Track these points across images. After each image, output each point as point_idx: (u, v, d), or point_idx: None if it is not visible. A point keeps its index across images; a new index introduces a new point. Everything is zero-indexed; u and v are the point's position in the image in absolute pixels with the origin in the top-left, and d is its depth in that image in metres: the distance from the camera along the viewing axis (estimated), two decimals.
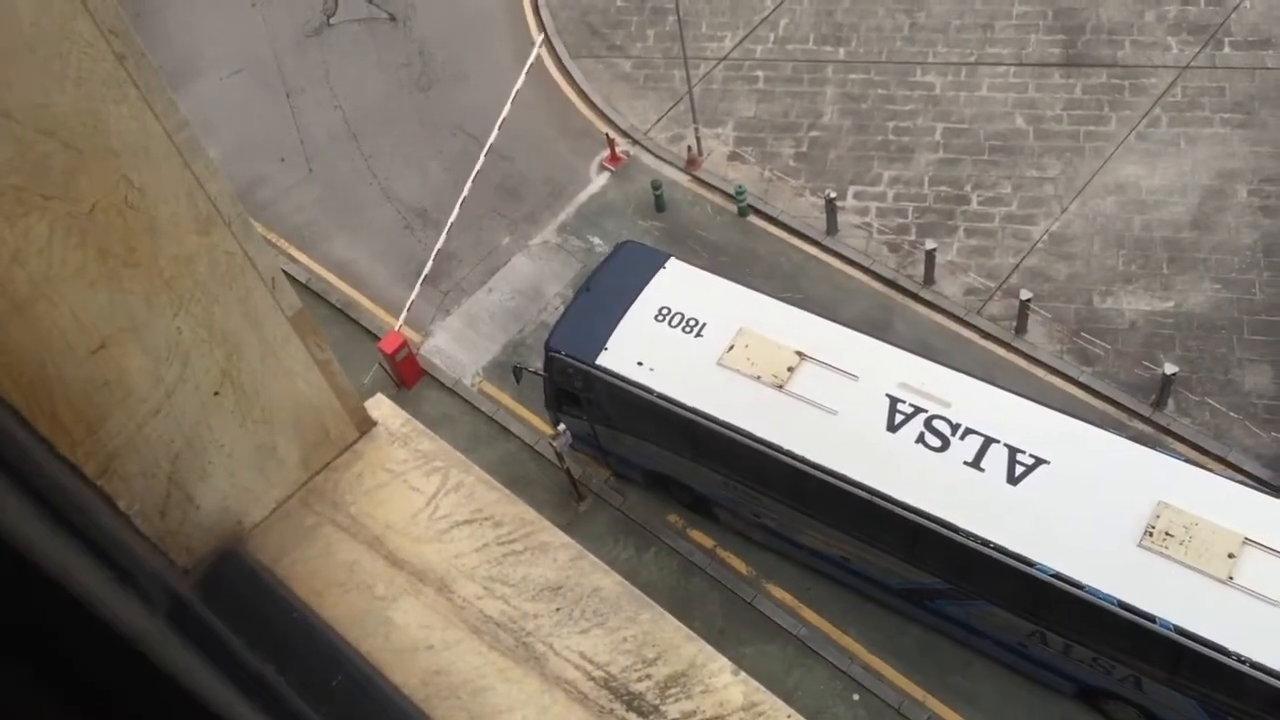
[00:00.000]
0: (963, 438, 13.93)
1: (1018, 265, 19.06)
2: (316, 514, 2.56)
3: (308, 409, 2.51)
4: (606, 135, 21.24)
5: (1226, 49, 20.91)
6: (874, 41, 22.12)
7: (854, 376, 14.60)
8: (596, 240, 20.12)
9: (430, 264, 19.57)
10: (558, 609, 2.39)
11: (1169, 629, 12.58)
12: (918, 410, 14.20)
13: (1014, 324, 18.27)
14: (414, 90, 22.80)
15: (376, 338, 19.13)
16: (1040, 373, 17.91)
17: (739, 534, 17.06)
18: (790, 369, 14.75)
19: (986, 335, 18.42)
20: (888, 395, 14.37)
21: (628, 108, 21.99)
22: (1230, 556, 12.64)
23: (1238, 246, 18.70)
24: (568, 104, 22.21)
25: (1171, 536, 12.85)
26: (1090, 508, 13.29)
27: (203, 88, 22.64)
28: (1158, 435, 16.92)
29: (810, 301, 16.03)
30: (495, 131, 20.49)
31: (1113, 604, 12.82)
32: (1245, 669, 12.22)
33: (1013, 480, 13.58)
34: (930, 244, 18.74)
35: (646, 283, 15.91)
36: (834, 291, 18.90)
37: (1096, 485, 13.44)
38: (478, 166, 20.20)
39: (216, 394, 2.24)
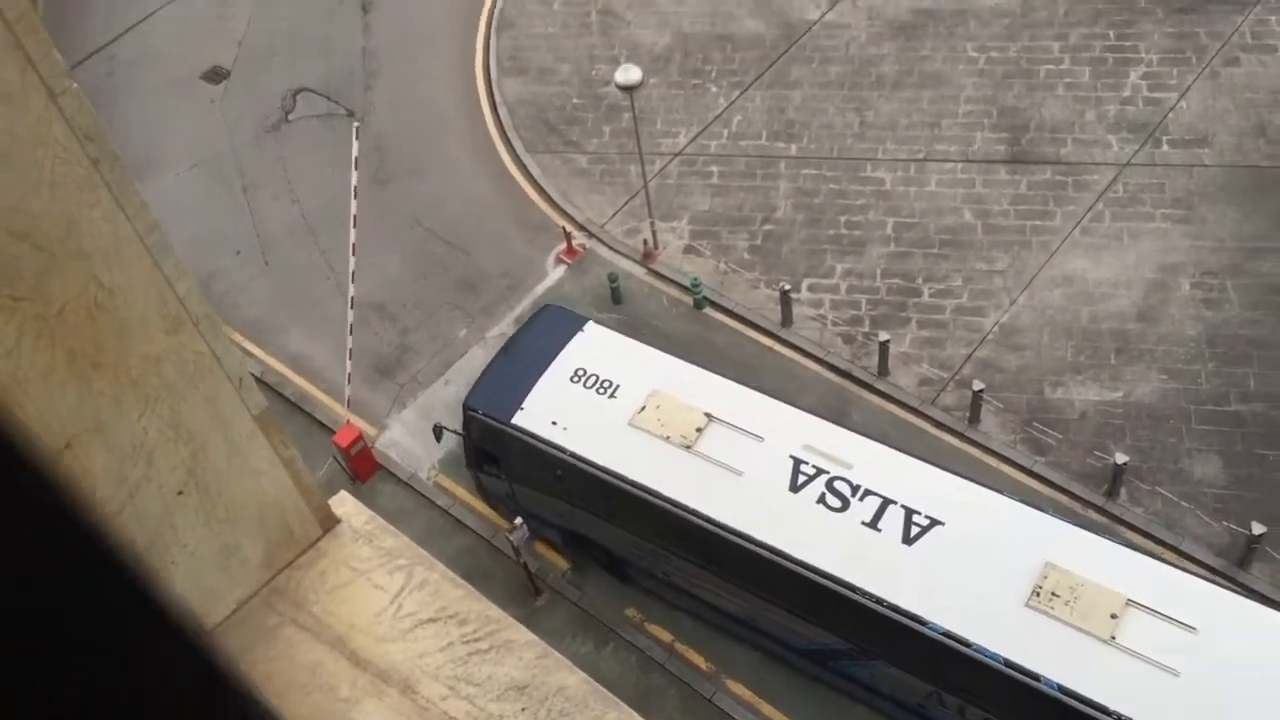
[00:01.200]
0: (862, 499, 14.33)
1: (969, 356, 19.33)
2: (279, 614, 2.52)
3: (272, 507, 2.48)
4: (563, 229, 21.46)
5: (1165, 147, 21.60)
6: (825, 138, 22.64)
7: (760, 438, 15.02)
8: None
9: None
10: (523, 709, 2.36)
11: (1053, 688, 12.79)
12: (820, 471, 14.61)
13: (967, 414, 18.47)
14: (372, 185, 22.97)
15: (332, 431, 18.97)
16: (994, 462, 18.06)
17: (700, 622, 16.91)
18: (699, 430, 15.19)
19: (940, 425, 18.59)
20: (792, 457, 14.78)
21: (584, 202, 22.26)
22: (1113, 617, 12.98)
23: (1183, 338, 19.11)
24: (525, 198, 22.46)
25: (1057, 597, 13.19)
26: (981, 568, 13.68)
27: (161, 182, 22.67)
28: (1111, 525, 17.06)
29: (766, 392, 16.27)
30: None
31: (1000, 663, 13.08)
32: None
33: (908, 540, 13.96)
34: (884, 335, 18.99)
35: (564, 345, 16.38)
36: (790, 382, 19.04)
37: (987, 546, 13.84)
38: None
39: (181, 493, 2.21)
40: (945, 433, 18.52)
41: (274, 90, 25.01)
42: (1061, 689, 12.76)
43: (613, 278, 20.37)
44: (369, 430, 19.28)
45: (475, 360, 20.03)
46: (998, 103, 22.72)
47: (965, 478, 14.90)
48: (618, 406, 15.64)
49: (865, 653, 14.62)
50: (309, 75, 25.14)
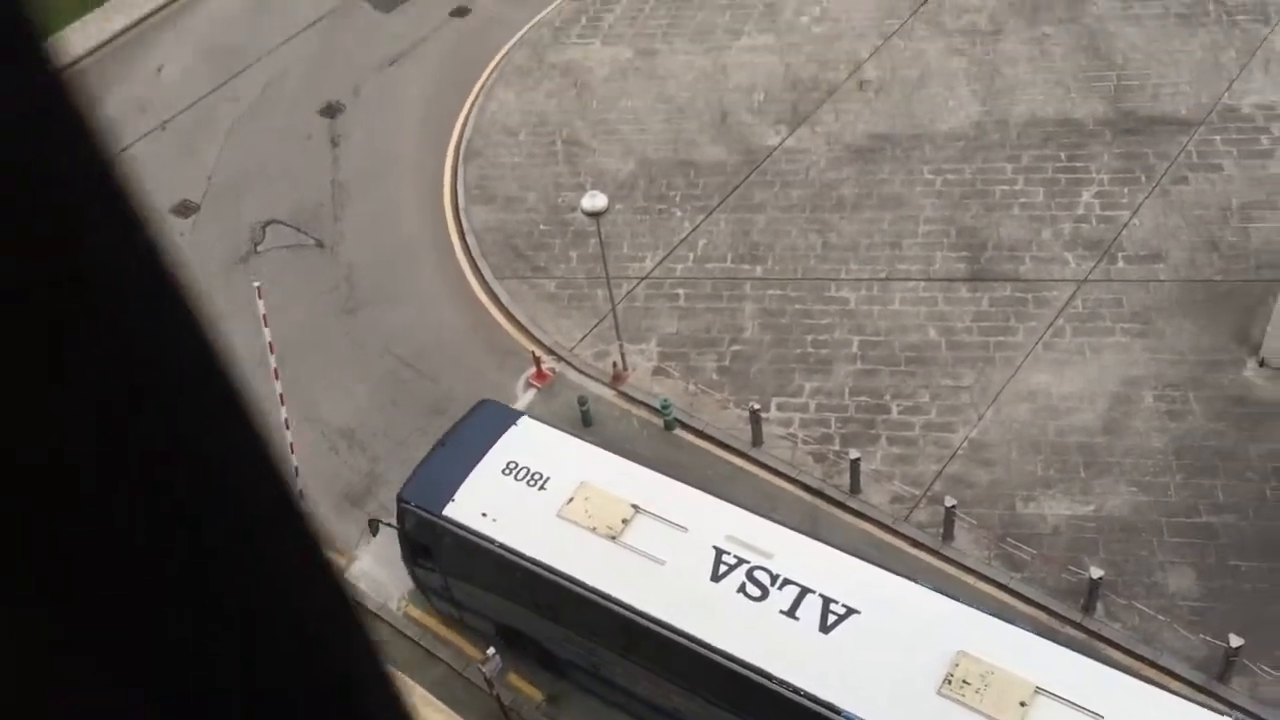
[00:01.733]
0: (781, 588, 14.58)
1: (940, 472, 19.37)
2: None
3: None
4: (532, 353, 21.55)
5: (1120, 263, 22.09)
6: (789, 260, 23.01)
7: (684, 529, 15.34)
8: None
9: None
10: None
11: None
12: (741, 561, 14.87)
13: (940, 531, 18.42)
14: (341, 314, 23.05)
15: None
16: (970, 579, 17.96)
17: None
18: (624, 521, 15.51)
19: (915, 543, 18.52)
20: (714, 547, 15.06)
21: (553, 326, 22.42)
22: (1022, 705, 13.20)
23: (1149, 450, 19.25)
24: (494, 324, 22.59)
25: (968, 684, 13.43)
26: (895, 656, 13.90)
27: None
28: (1089, 641, 16.92)
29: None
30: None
31: None
32: None
33: (825, 629, 14.21)
34: (854, 453, 19.03)
35: (498, 438, 16.75)
36: (763, 501, 18.93)
37: (901, 635, 14.10)
38: None
39: None
40: (920, 550, 18.43)
41: (243, 223, 25.24)
42: None
43: (583, 401, 20.39)
44: (338, 561, 18.94)
45: None
46: (956, 223, 23.24)
47: (883, 568, 15.21)
48: (547, 498, 15.96)
49: None
50: (278, 207, 25.42)
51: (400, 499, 17.02)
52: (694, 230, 23.79)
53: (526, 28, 28.95)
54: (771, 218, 23.83)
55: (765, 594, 14.54)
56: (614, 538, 15.38)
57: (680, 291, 22.73)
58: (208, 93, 28.27)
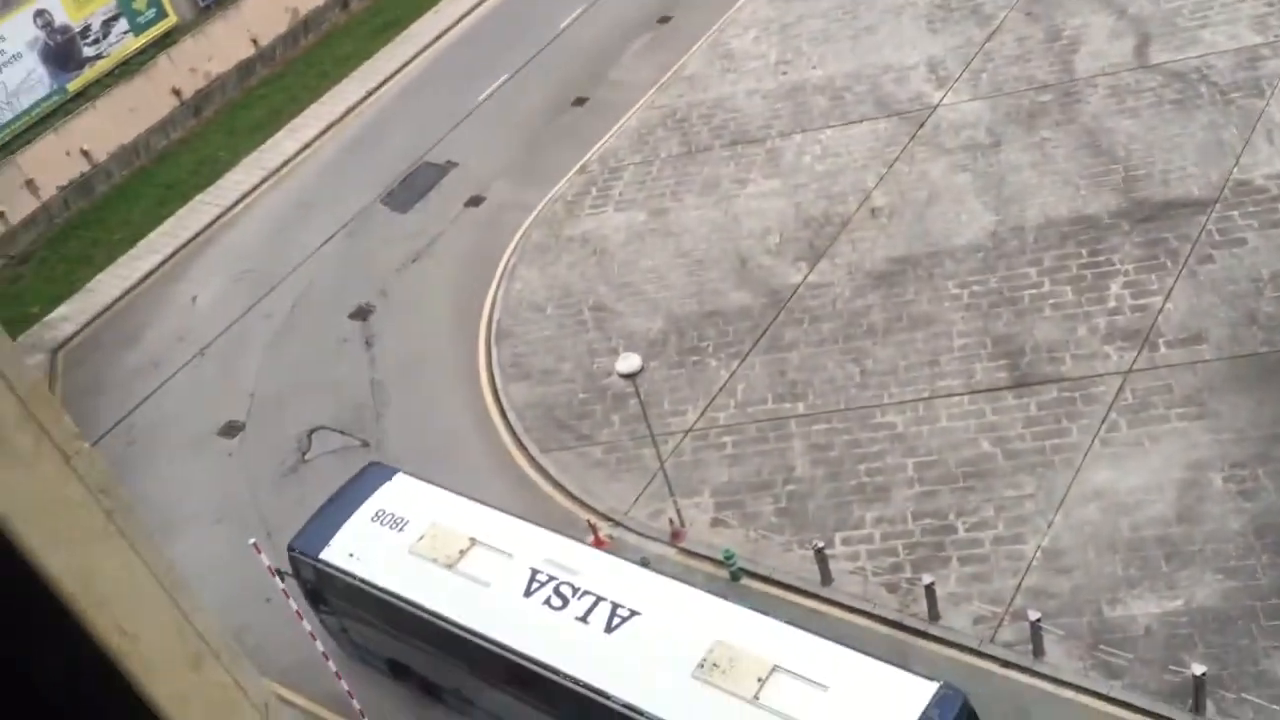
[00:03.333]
0: (580, 598, 16.88)
1: (1019, 586, 18.83)
2: None
3: None
4: (588, 522, 21.41)
5: (1163, 349, 21.87)
6: (829, 392, 22.97)
7: (509, 555, 17.72)
8: None
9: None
10: None
11: None
12: (551, 578, 17.21)
13: (1030, 647, 17.79)
14: None
15: None
16: (1070, 694, 17.26)
17: None
18: (461, 551, 17.93)
19: (1006, 664, 17.89)
20: (530, 568, 17.41)
21: (605, 491, 22.33)
22: (759, 680, 15.25)
23: (1228, 533, 18.68)
24: (546, 498, 22.54)
25: (717, 667, 15.55)
26: (663, 648, 16.08)
27: (185, 542, 22.81)
28: None
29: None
30: None
31: None
32: None
33: (609, 630, 16.47)
34: (927, 578, 18.57)
35: (373, 492, 19.37)
36: (841, 637, 18.43)
37: (672, 630, 16.26)
38: None
39: None
40: (1012, 670, 17.79)
41: (288, 434, 25.60)
42: None
43: (644, 562, 20.11)
44: None
45: None
46: (990, 332, 23.20)
47: (669, 576, 17.76)
48: (402, 538, 18.46)
49: None
50: (321, 414, 25.81)
51: (289, 547, 19.48)
52: (731, 377, 23.87)
53: (540, 206, 29.77)
54: (805, 354, 23.91)
55: (565, 603, 16.87)
56: (450, 566, 17.80)
57: (727, 439, 22.67)
58: (241, 314, 29.08)
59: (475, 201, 30.76)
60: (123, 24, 35.00)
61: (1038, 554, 19.19)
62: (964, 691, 15.00)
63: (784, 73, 31.55)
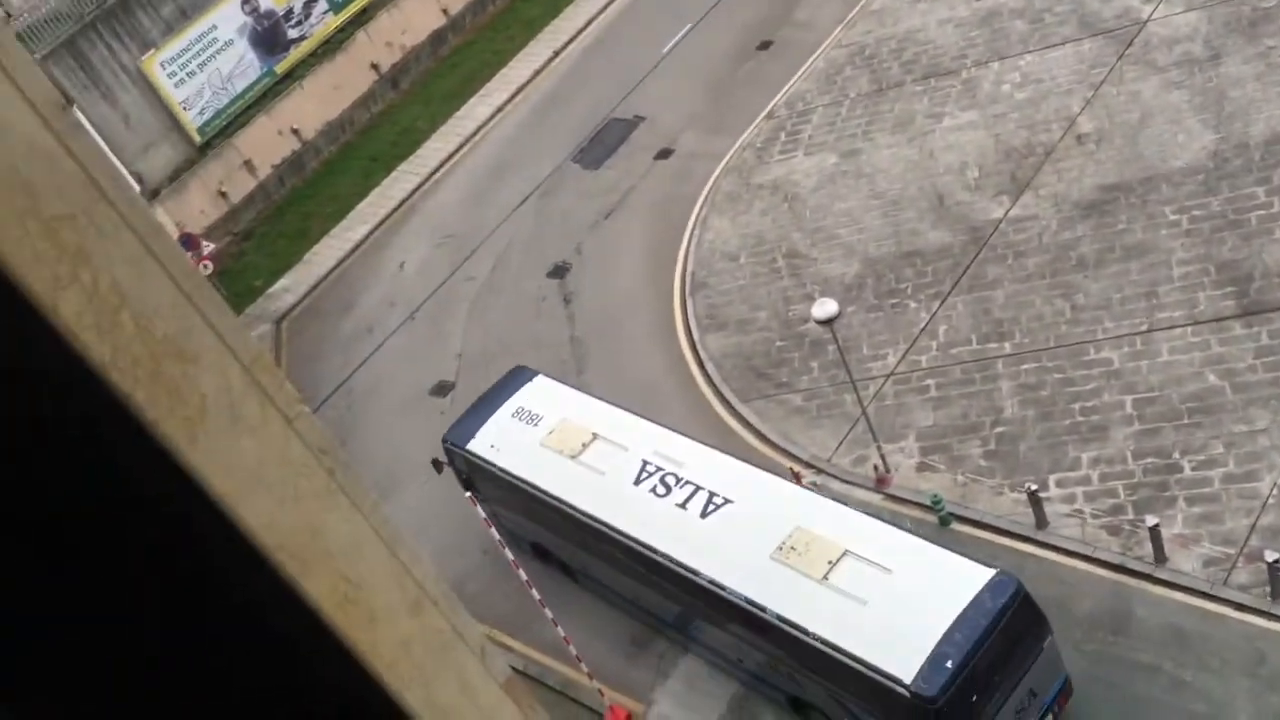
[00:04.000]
0: (681, 487, 18.39)
1: (1254, 526, 17.76)
2: None
3: None
4: (791, 469, 21.31)
5: None
6: (1038, 330, 22.09)
7: (625, 448, 19.30)
8: None
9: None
10: None
11: (774, 618, 16.51)
12: (658, 469, 18.75)
13: (1268, 590, 16.78)
14: None
15: (601, 716, 18.77)
16: None
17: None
18: (584, 444, 19.66)
19: (1241, 607, 16.95)
20: (642, 460, 18.98)
21: (807, 439, 22.18)
22: (830, 563, 16.33)
23: None
24: (748, 447, 22.55)
25: (794, 550, 16.71)
26: (749, 533, 17.34)
27: (406, 495, 23.93)
28: None
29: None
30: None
31: (742, 601, 16.86)
32: (828, 650, 15.78)
33: (704, 515, 17.92)
34: (1152, 520, 17.73)
35: (516, 391, 21.31)
36: (1059, 586, 17.85)
37: (759, 517, 17.55)
38: None
39: None
40: (1249, 614, 16.84)
41: None
42: (780, 618, 16.40)
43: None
44: (635, 708, 18.98)
45: None
46: (1213, 259, 21.80)
47: (762, 469, 19.14)
48: (536, 432, 20.30)
49: (680, 605, 18.54)
50: None
51: (443, 439, 21.61)
52: (932, 319, 23.25)
53: (729, 155, 29.59)
54: (1010, 291, 23.03)
55: (669, 491, 18.39)
56: (573, 457, 19.50)
57: (930, 382, 22.12)
58: (446, 278, 30.10)
59: (664, 154, 30.82)
60: (322, 4, 36.42)
61: (1274, 491, 18.03)
62: (1017, 578, 15.87)
63: None
